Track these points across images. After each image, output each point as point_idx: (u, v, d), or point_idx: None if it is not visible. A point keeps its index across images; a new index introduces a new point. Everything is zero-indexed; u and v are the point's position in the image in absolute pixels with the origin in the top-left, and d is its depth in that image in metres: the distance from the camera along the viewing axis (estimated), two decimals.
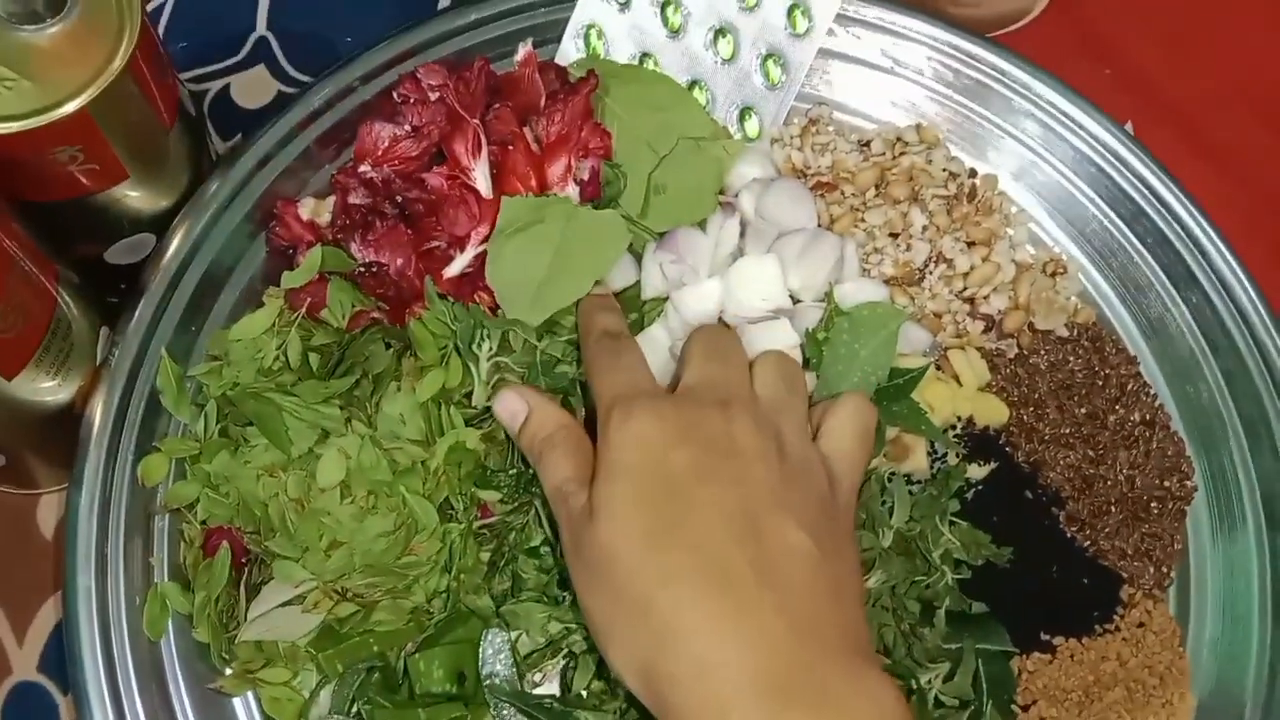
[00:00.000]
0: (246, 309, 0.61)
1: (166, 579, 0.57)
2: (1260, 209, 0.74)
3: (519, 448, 0.55)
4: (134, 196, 0.58)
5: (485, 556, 0.58)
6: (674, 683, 0.44)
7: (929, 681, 0.56)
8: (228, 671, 0.56)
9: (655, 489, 0.46)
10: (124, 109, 0.53)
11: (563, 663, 0.56)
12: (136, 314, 0.59)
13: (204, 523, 0.57)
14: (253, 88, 0.74)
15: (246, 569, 0.57)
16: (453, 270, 0.62)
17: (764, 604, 0.44)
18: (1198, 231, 0.66)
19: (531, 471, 0.58)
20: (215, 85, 0.74)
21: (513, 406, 0.54)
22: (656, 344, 0.61)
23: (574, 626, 0.55)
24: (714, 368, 0.51)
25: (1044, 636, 0.60)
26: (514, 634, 0.55)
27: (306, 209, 0.62)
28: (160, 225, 0.60)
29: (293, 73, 0.75)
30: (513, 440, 0.56)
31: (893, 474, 0.62)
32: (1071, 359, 0.65)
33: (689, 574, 0.44)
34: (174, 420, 0.59)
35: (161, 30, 0.74)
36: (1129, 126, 0.70)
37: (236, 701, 0.56)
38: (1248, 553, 0.62)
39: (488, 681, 0.54)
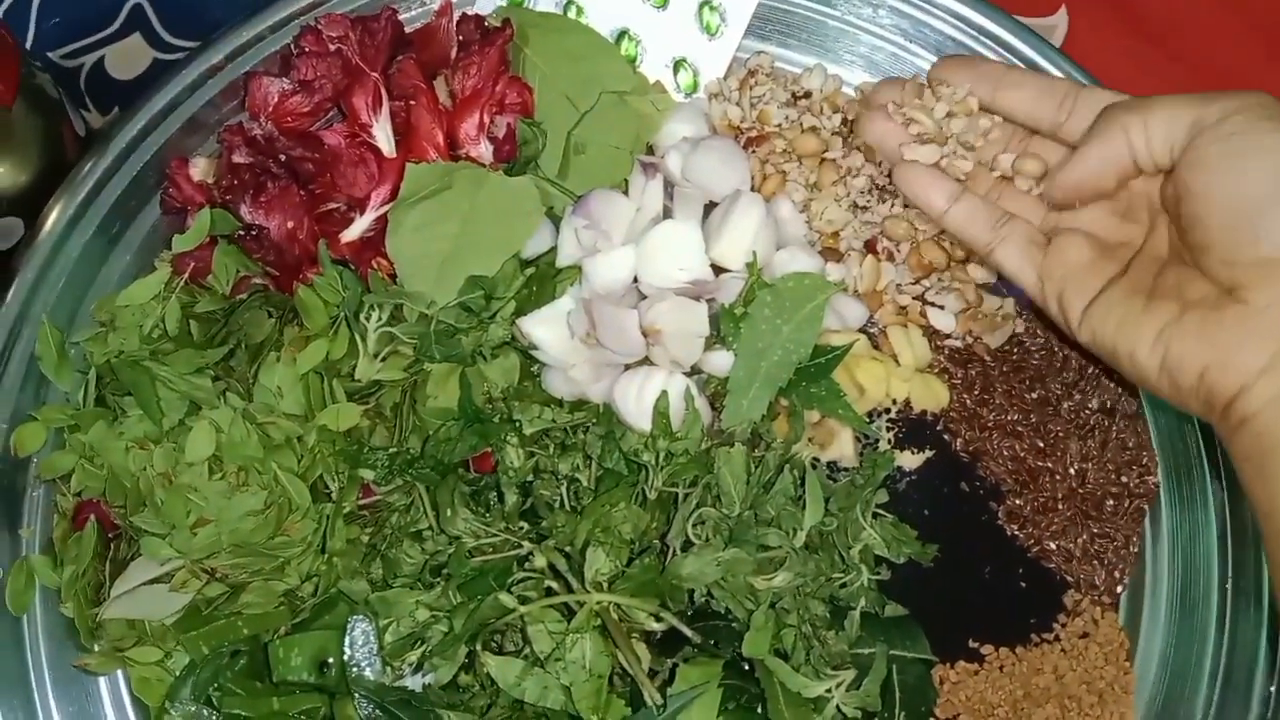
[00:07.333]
0: (144, 273, 0.59)
1: (39, 553, 0.55)
2: None
3: None
4: None
5: (366, 538, 0.55)
6: None
7: (829, 691, 0.51)
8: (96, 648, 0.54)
9: None
10: None
11: (429, 653, 0.52)
12: (8, 298, 0.57)
13: (78, 495, 0.55)
14: (128, 58, 0.70)
15: (114, 544, 0.55)
16: (351, 234, 0.59)
17: None
18: None
19: (413, 452, 0.55)
20: (90, 59, 0.70)
21: None
22: (559, 313, 0.57)
23: (440, 615, 0.51)
24: None
25: (972, 644, 0.55)
26: (384, 622, 0.52)
27: (199, 169, 0.59)
28: (26, 208, 0.58)
29: (169, 39, 0.71)
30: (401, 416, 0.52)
31: (815, 462, 0.57)
32: (1027, 338, 0.59)
33: None
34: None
35: (35, 7, 0.71)
36: None
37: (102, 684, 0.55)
38: (1210, 559, 0.55)
39: (351, 672, 0.51)
